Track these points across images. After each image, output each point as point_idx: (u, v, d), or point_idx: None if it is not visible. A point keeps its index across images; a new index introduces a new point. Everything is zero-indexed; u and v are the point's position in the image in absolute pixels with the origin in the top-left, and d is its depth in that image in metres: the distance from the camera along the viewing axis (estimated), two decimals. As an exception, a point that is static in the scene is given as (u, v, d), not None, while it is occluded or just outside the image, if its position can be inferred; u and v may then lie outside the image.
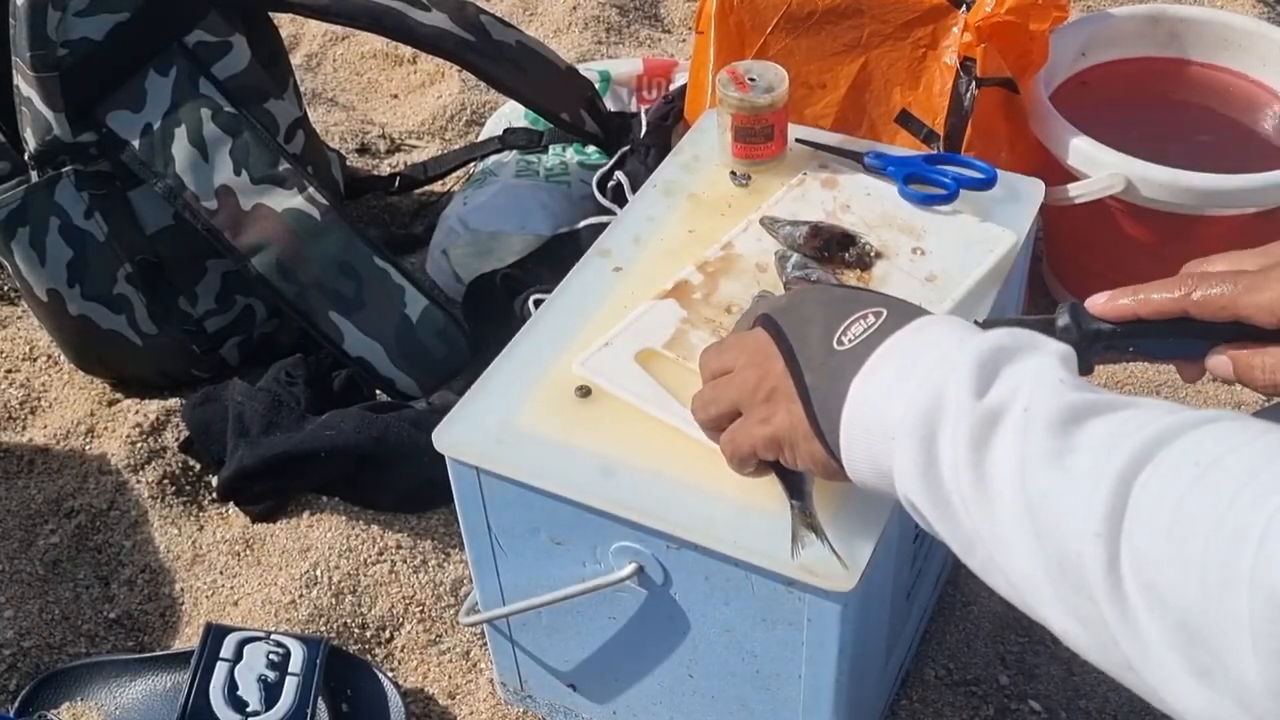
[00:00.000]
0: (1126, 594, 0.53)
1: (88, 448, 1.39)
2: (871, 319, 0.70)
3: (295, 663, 1.09)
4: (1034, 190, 1.09)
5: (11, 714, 1.11)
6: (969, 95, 1.32)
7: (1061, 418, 0.59)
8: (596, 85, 1.67)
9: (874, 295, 0.75)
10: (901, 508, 0.67)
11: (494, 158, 1.65)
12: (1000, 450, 0.60)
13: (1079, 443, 0.58)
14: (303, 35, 2.09)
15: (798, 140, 1.14)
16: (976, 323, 0.80)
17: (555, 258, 1.40)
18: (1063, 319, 0.78)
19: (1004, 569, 0.61)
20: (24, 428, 1.43)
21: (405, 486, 1.27)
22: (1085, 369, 0.78)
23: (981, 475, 0.60)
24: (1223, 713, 0.50)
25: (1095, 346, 0.76)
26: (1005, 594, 0.62)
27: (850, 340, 0.70)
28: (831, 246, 1.01)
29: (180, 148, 1.33)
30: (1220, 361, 0.74)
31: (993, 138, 1.34)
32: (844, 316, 0.71)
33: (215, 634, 1.10)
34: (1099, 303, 0.77)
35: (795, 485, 0.79)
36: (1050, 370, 0.62)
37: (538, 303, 1.27)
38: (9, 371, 1.50)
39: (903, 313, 0.70)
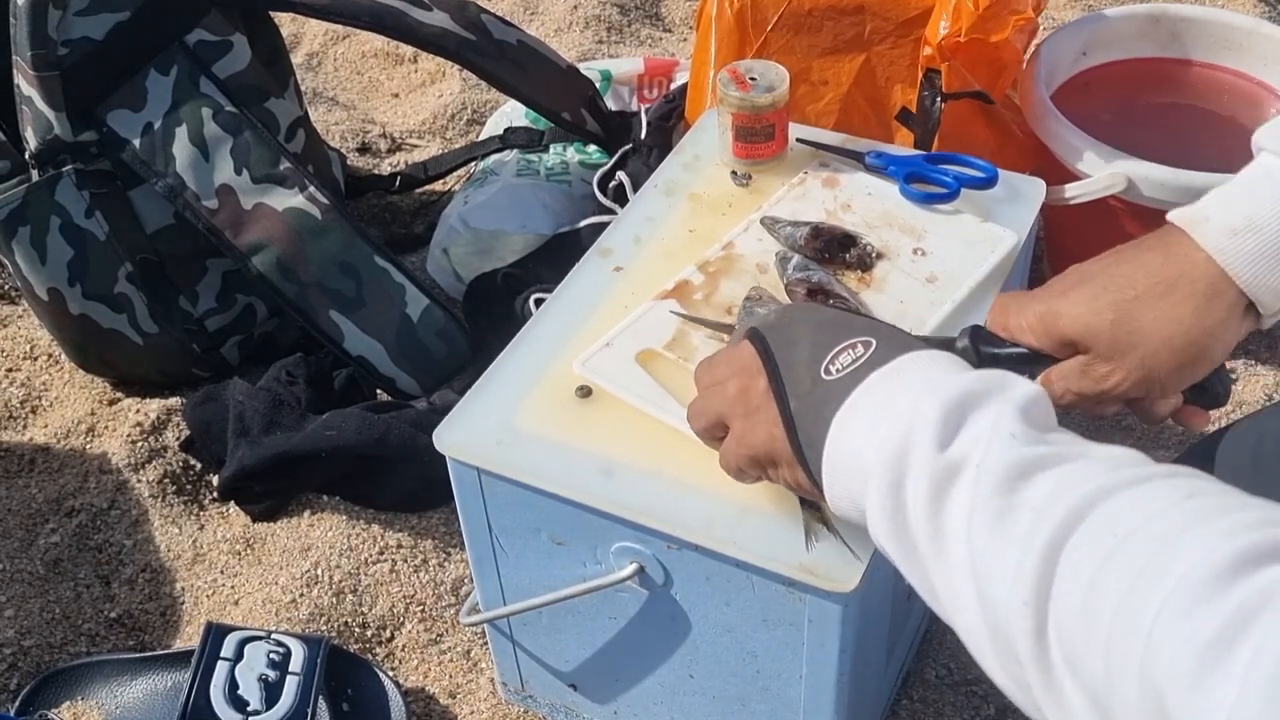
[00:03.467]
0: (1052, 663, 0.53)
1: (88, 447, 1.39)
2: (860, 350, 0.69)
3: (296, 662, 1.09)
4: (1035, 190, 1.09)
5: (12, 713, 1.11)
6: (936, 108, 1.31)
7: (1008, 474, 0.58)
8: (597, 84, 1.67)
9: (865, 322, 0.73)
10: None
11: (495, 157, 1.65)
12: (955, 504, 0.60)
13: (1020, 501, 0.57)
14: (303, 34, 2.09)
15: (798, 140, 1.14)
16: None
17: (556, 257, 1.40)
18: (961, 341, 0.80)
19: (955, 623, 0.61)
20: (25, 427, 1.43)
21: (406, 486, 1.27)
22: None
23: (938, 529, 0.60)
24: None
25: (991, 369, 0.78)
26: (963, 641, 0.62)
27: (838, 371, 0.69)
28: (833, 247, 1.00)
29: (181, 147, 1.33)
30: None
31: (971, 145, 1.32)
32: (833, 344, 0.70)
33: (216, 633, 1.11)
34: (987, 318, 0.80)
35: None
36: (1006, 421, 0.61)
37: (538, 302, 1.27)
38: (10, 370, 1.50)
39: (890, 345, 0.69)
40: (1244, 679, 0.44)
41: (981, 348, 0.79)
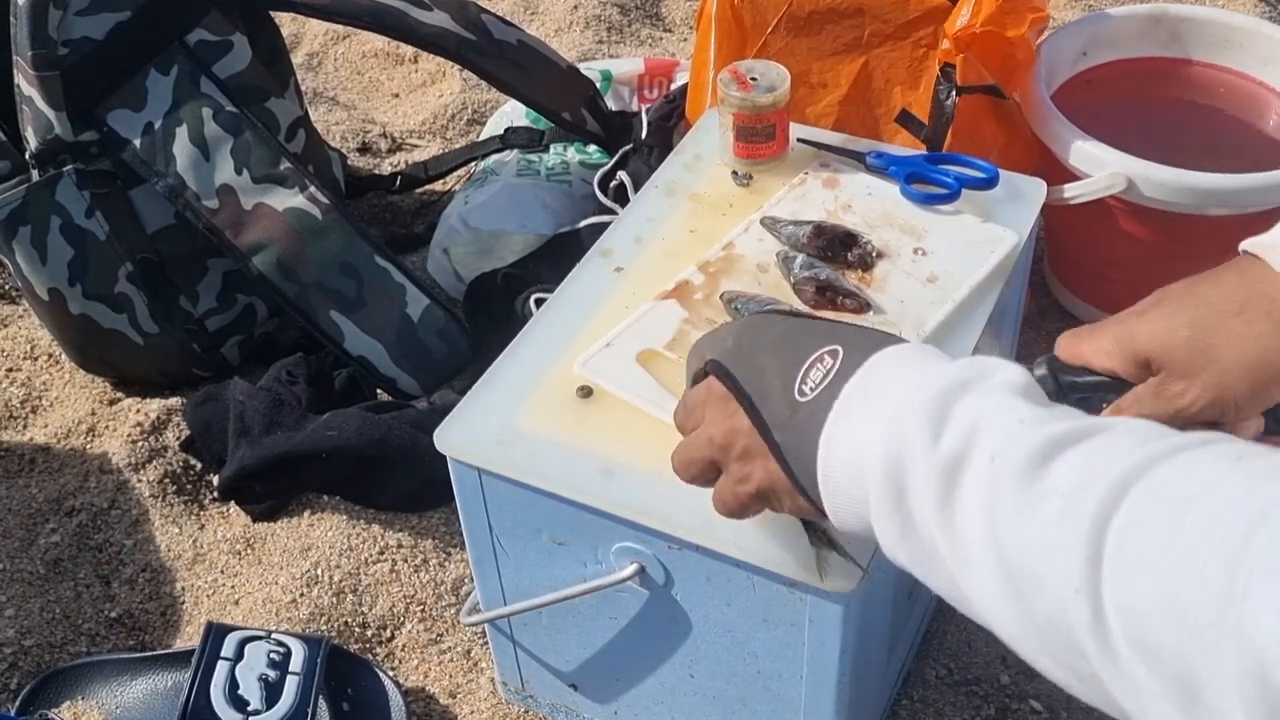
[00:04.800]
0: (1117, 650, 0.51)
1: (89, 447, 1.39)
2: (829, 361, 0.67)
3: (296, 662, 1.09)
4: (1036, 190, 1.09)
5: (12, 713, 1.11)
6: (949, 102, 1.31)
7: (1030, 463, 0.56)
8: (598, 84, 1.67)
9: (825, 328, 0.71)
10: None
11: (495, 157, 1.65)
12: (969, 501, 0.58)
13: (1048, 488, 0.55)
14: (304, 34, 2.09)
15: (799, 140, 1.14)
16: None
17: (556, 257, 1.40)
18: (1039, 370, 0.78)
19: (991, 623, 0.59)
20: (25, 426, 1.43)
21: (406, 486, 1.27)
22: None
23: (954, 531, 0.58)
24: None
25: (1070, 399, 0.76)
26: (999, 635, 0.60)
27: (811, 389, 0.67)
28: (835, 246, 1.00)
29: (181, 147, 1.33)
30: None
31: (979, 142, 1.33)
32: (799, 360, 0.68)
33: (216, 633, 1.11)
34: (1061, 345, 0.78)
35: None
36: (1009, 410, 0.59)
37: (539, 302, 1.27)
38: (10, 370, 1.50)
39: (857, 349, 0.67)
40: None
41: (1060, 376, 0.77)
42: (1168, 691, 0.49)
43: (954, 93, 1.30)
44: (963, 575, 0.59)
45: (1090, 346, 0.77)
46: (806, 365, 0.68)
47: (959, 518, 0.58)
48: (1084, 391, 0.76)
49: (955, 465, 0.59)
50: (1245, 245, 0.77)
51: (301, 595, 1.20)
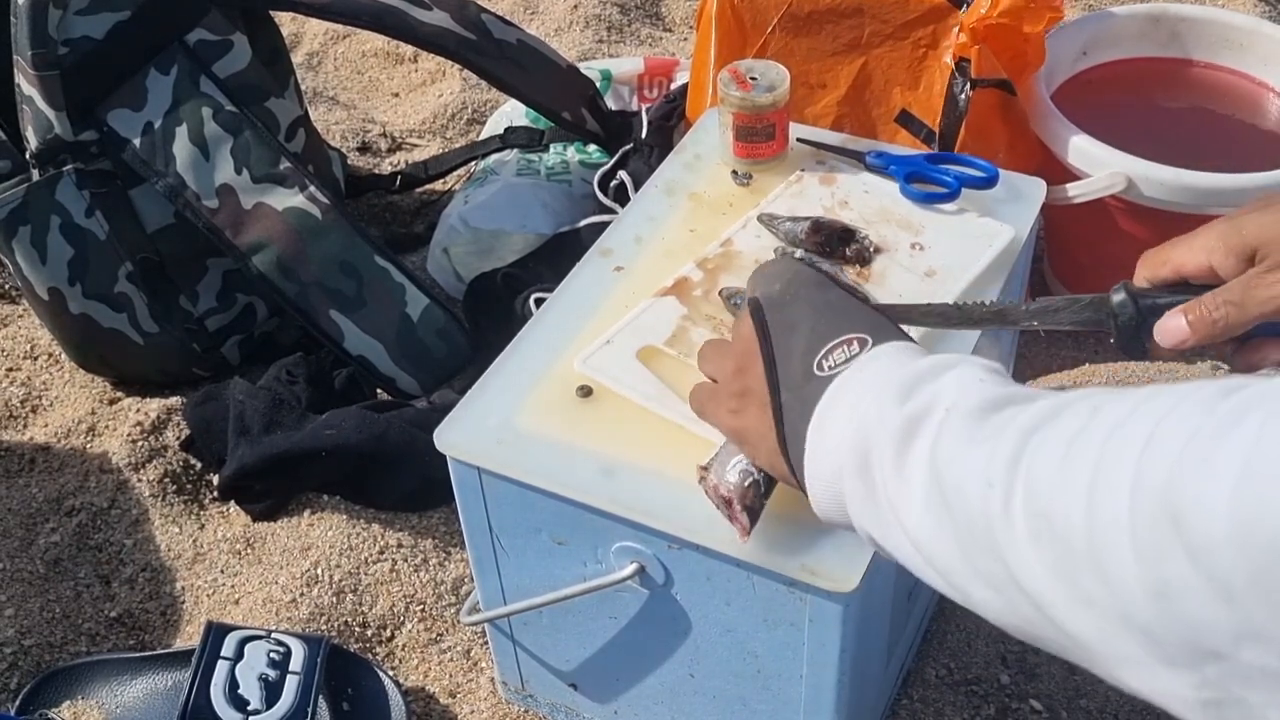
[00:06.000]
0: (1016, 530, 0.53)
1: (89, 446, 1.39)
2: (855, 347, 0.69)
3: (296, 661, 1.09)
4: (1035, 189, 1.09)
5: (12, 712, 1.11)
6: (964, 96, 1.31)
7: (981, 408, 0.58)
8: (598, 84, 1.67)
9: (866, 314, 0.72)
10: None
11: (495, 156, 1.65)
12: (919, 447, 0.60)
13: (992, 423, 0.57)
14: (304, 34, 2.09)
15: (799, 139, 1.14)
16: (982, 304, 0.81)
17: (556, 256, 1.40)
18: (1117, 295, 0.78)
19: (931, 562, 0.60)
20: (25, 426, 1.43)
21: (406, 486, 1.27)
22: (1141, 354, 0.79)
23: (903, 478, 0.60)
24: (1109, 635, 0.49)
25: (1149, 322, 0.76)
26: (948, 594, 0.61)
27: (829, 368, 0.68)
28: (832, 242, 1.01)
29: (181, 146, 1.33)
30: (1170, 326, 0.75)
31: (989, 139, 1.34)
32: (830, 336, 0.70)
33: (216, 632, 1.10)
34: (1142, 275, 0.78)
35: None
36: (972, 373, 0.62)
37: (539, 302, 1.27)
38: (10, 370, 1.50)
39: (883, 343, 0.69)
40: (1254, 440, 0.44)
41: (1140, 300, 0.77)
42: (1055, 563, 0.51)
43: (969, 86, 1.31)
44: (905, 514, 0.60)
45: (1184, 247, 0.77)
46: (834, 343, 0.69)
47: (909, 465, 0.60)
48: (1166, 309, 0.76)
49: (914, 422, 0.61)
50: None
51: (301, 595, 1.20)
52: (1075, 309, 0.81)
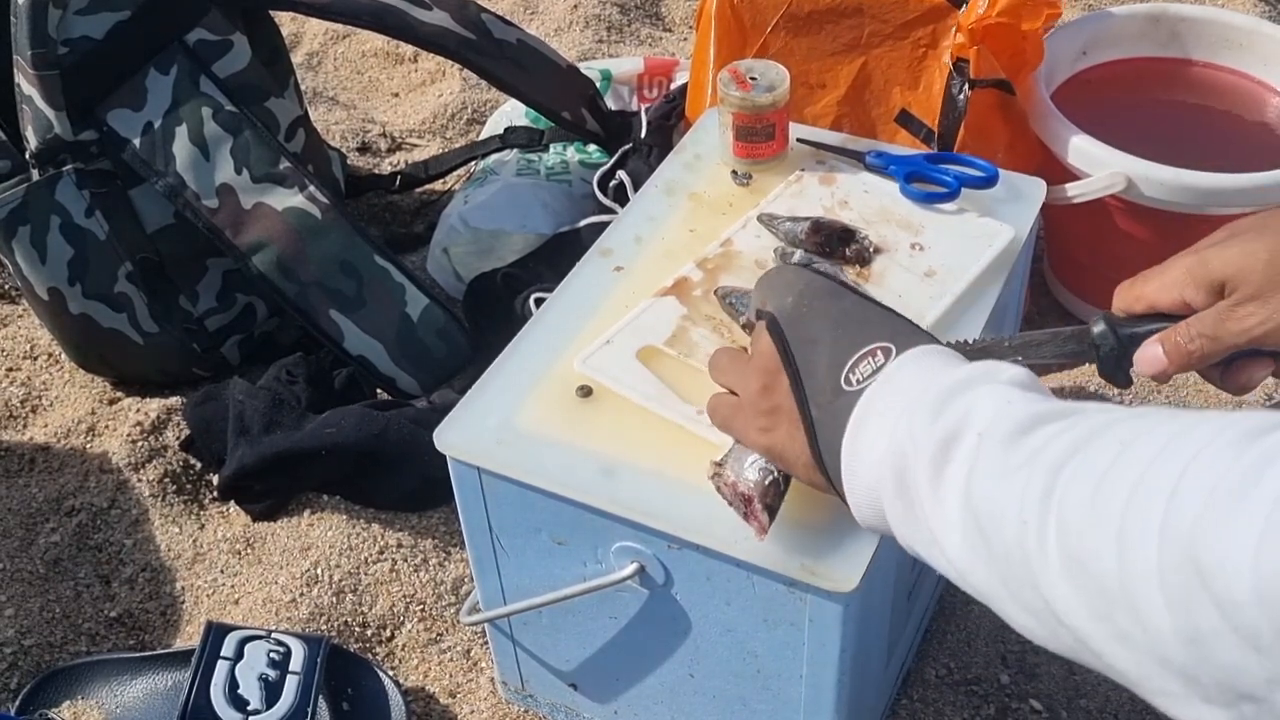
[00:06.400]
0: (1051, 568, 0.54)
1: (88, 446, 1.39)
2: (880, 358, 0.69)
3: (296, 661, 1.09)
4: (1035, 189, 1.09)
5: (12, 712, 1.11)
6: (962, 96, 1.32)
7: (1012, 433, 0.59)
8: (597, 84, 1.67)
9: (882, 317, 0.73)
10: None
11: (495, 156, 1.65)
12: (954, 473, 0.61)
13: (1024, 451, 0.58)
14: (304, 34, 2.09)
15: (799, 139, 1.14)
16: (966, 342, 0.82)
17: (556, 256, 1.40)
18: (1097, 326, 0.80)
19: (974, 588, 0.61)
20: (25, 426, 1.43)
21: (406, 485, 1.27)
22: (1125, 381, 0.80)
23: (939, 500, 0.61)
24: (1146, 671, 0.51)
25: (1131, 350, 0.78)
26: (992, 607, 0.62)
27: (858, 382, 0.69)
28: (832, 242, 1.01)
29: (181, 146, 1.33)
30: (1148, 355, 0.77)
31: (988, 138, 1.34)
32: (853, 349, 0.70)
33: (216, 632, 1.10)
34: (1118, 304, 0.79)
35: None
36: (1002, 392, 0.62)
37: (539, 301, 1.27)
38: (10, 370, 1.50)
39: (907, 348, 0.70)
40: (1275, 499, 0.45)
41: (1120, 330, 0.79)
42: (1090, 603, 0.52)
43: (967, 86, 1.31)
44: (945, 539, 0.61)
45: (1155, 284, 0.78)
46: (858, 355, 0.70)
47: (944, 489, 0.61)
48: (1146, 339, 0.77)
49: (948, 444, 0.61)
50: None
51: (301, 595, 1.20)
52: (1058, 342, 0.83)
